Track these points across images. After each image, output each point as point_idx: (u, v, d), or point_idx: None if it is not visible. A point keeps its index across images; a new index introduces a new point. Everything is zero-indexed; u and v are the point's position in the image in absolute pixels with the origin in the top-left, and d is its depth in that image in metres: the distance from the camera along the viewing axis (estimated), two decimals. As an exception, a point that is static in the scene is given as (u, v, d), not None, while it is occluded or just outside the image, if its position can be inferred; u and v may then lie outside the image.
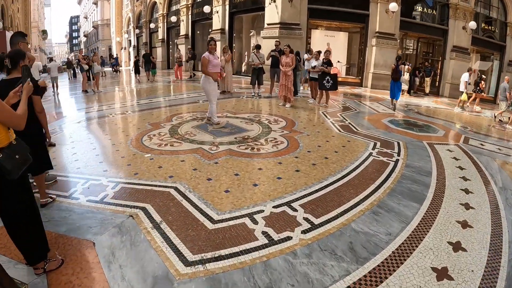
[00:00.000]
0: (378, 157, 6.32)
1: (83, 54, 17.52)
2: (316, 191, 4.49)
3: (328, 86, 11.38)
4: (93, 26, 74.88)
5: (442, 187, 5.32)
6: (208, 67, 7.64)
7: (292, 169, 5.33)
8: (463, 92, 16.58)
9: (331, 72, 11.30)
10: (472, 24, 21.15)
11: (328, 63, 11.37)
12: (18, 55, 3.52)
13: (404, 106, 14.11)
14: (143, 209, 3.82)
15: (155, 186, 4.44)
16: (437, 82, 22.83)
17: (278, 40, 13.99)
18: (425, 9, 21.93)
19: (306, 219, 3.69)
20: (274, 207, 3.96)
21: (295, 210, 3.90)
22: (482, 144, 9.05)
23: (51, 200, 4.09)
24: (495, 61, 25.74)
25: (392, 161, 6.19)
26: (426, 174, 5.76)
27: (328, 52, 12.17)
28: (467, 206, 4.72)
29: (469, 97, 17.08)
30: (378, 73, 19.74)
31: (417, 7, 21.83)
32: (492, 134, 11.06)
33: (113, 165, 5.38)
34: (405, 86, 18.53)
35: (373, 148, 6.91)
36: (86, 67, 15.37)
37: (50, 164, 4.17)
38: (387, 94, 14.30)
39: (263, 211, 3.86)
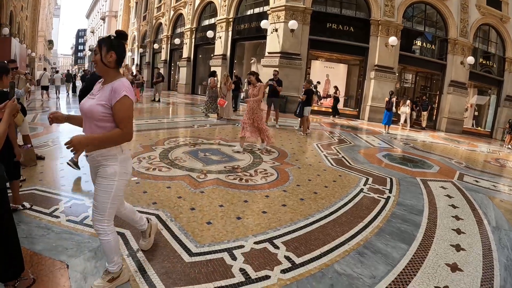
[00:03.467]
0: (369, 194, 6.19)
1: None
2: (301, 228, 4.33)
3: (296, 112, 12.03)
4: (98, 41, 75.75)
5: (433, 227, 5.21)
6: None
7: (279, 203, 5.18)
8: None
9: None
10: (470, 59, 21.46)
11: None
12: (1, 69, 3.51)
13: (400, 141, 14.17)
14: (122, 235, 3.71)
15: (137, 211, 4.32)
16: (434, 116, 23.01)
17: (276, 70, 14.05)
18: (424, 44, 22.24)
19: (287, 258, 3.55)
20: (255, 243, 3.81)
21: (277, 247, 3.75)
22: (476, 181, 8.96)
23: (22, 208, 4.12)
24: (492, 96, 25.94)
25: (383, 198, 6.09)
26: (418, 213, 5.65)
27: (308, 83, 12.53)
28: (458, 248, 4.60)
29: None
30: (375, 106, 20.04)
31: (416, 42, 22.12)
32: (487, 170, 11.00)
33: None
34: (403, 119, 18.70)
35: (365, 184, 6.78)
36: None
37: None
38: (383, 127, 15.41)
39: (244, 246, 3.69)
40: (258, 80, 9.04)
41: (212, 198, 4.99)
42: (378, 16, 19.95)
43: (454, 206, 6.37)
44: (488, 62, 24.87)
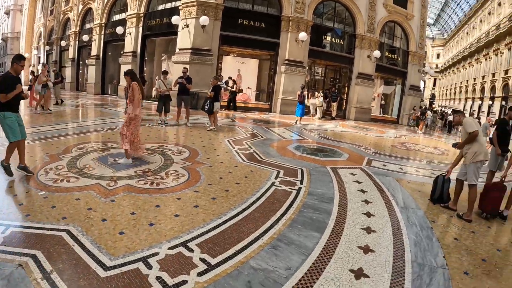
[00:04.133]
0: (281, 187, 6.32)
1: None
2: (215, 228, 4.36)
3: (205, 108, 12.00)
4: (2, 39, 69.48)
5: (344, 213, 5.42)
6: None
7: (191, 205, 5.10)
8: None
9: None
10: (377, 53, 23.24)
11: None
12: None
13: (311, 131, 14.61)
14: (33, 257, 3.44)
15: (47, 229, 4.03)
16: (343, 106, 24.46)
17: (185, 67, 13.87)
18: (333, 39, 23.46)
19: (202, 260, 3.55)
20: (169, 248, 3.76)
21: (192, 250, 3.74)
22: (384, 165, 9.46)
23: None
24: (397, 86, 28.18)
25: (295, 189, 6.24)
26: (328, 201, 5.85)
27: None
28: (369, 230, 4.85)
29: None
30: (286, 99, 20.68)
31: (326, 37, 23.26)
32: (394, 154, 11.63)
33: (4, 205, 4.77)
34: (313, 110, 19.38)
35: (276, 177, 6.90)
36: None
37: None
38: (295, 119, 15.98)
39: (158, 253, 3.63)
40: (133, 79, 7.27)
41: (123, 206, 4.80)
42: (289, 13, 20.59)
43: (363, 191, 6.69)
44: (393, 55, 26.97)
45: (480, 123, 26.26)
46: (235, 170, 7.25)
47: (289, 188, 6.28)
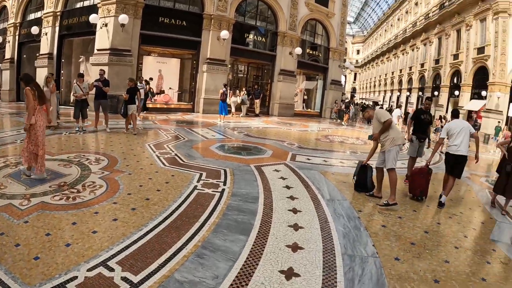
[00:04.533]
0: (203, 190, 6.21)
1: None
2: (135, 241, 4.10)
3: (121, 112, 11.73)
4: None
5: (269, 211, 5.40)
6: None
7: (110, 218, 4.72)
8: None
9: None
10: (298, 50, 23.91)
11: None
12: None
13: (234, 129, 14.65)
14: None
15: None
16: (267, 103, 24.92)
17: (102, 69, 13.03)
18: (256, 37, 23.77)
19: (124, 279, 3.32)
20: (88, 270, 3.44)
21: (112, 269, 3.48)
22: (308, 159, 9.69)
23: None
24: (319, 81, 29.21)
25: (218, 191, 6.16)
26: (253, 201, 5.84)
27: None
28: (296, 227, 4.87)
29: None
30: (209, 98, 20.57)
31: (249, 35, 23.43)
32: (318, 147, 11.93)
33: None
34: (234, 108, 19.49)
35: (198, 180, 6.78)
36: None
37: None
38: (218, 118, 16.10)
39: (77, 277, 3.29)
40: (28, 84, 6.25)
41: (37, 227, 4.30)
42: (211, 11, 20.45)
43: (288, 187, 6.75)
44: (315, 52, 27.90)
45: (390, 111, 28.10)
46: (156, 176, 6.96)
47: (212, 191, 6.18)
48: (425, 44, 45.33)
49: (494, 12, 29.16)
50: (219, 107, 17.26)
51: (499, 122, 26.98)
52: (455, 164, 7.44)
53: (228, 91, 18.37)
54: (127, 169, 7.31)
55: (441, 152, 12.07)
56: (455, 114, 8.29)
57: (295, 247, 4.28)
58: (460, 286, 4.05)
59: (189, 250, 3.98)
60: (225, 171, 7.57)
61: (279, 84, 24.48)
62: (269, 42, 24.62)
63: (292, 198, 6.19)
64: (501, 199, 7.77)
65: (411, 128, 8.97)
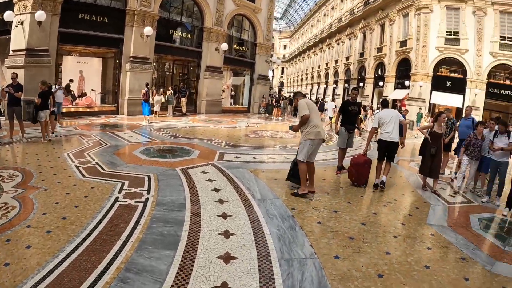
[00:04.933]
0: (125, 201, 5.78)
1: None
2: (51, 271, 3.58)
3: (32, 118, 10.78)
4: None
5: (197, 219, 5.15)
6: None
7: (23, 246, 4.11)
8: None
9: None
10: (224, 46, 23.75)
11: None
12: None
13: (160, 131, 14.20)
14: None
15: None
16: (194, 101, 24.54)
17: (15, 72, 11.69)
18: (182, 33, 23.38)
19: None
20: None
21: None
22: (237, 157, 9.62)
23: None
24: (247, 76, 29.49)
25: (141, 202, 5.79)
26: (180, 208, 5.56)
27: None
28: (227, 234, 4.67)
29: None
30: (133, 99, 19.67)
31: (175, 31, 22.93)
32: (247, 144, 11.90)
33: None
34: (157, 108, 18.78)
35: (120, 191, 6.32)
36: None
37: None
38: (143, 119, 15.64)
39: None
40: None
41: None
42: (135, 6, 19.56)
43: (216, 190, 6.56)
44: (242, 47, 28.08)
45: (323, 103, 28.97)
46: (74, 190, 6.30)
47: (135, 201, 5.79)
48: (350, 39, 47.29)
49: (417, 8, 31.22)
50: (142, 108, 16.90)
51: (420, 109, 28.67)
52: (388, 150, 8.17)
53: (151, 90, 17.84)
54: (43, 184, 6.56)
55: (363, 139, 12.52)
56: (385, 104, 9.09)
57: (227, 258, 4.09)
58: (404, 277, 4.11)
59: (111, 275, 3.59)
60: (149, 177, 7.20)
61: (205, 81, 24.27)
62: (196, 38, 24.30)
63: (221, 201, 6.02)
64: (430, 181, 8.38)
65: (339, 120, 9.30)
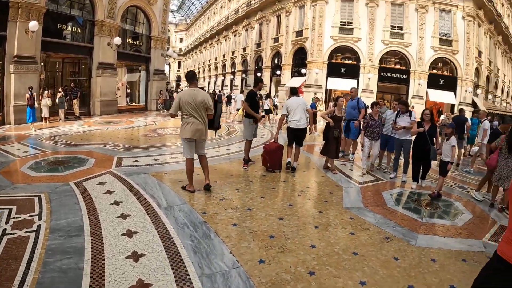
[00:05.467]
0: (15, 233, 4.71)
1: None
2: None
3: None
4: None
5: (99, 243, 4.46)
6: None
7: None
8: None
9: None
10: (117, 40, 22.42)
11: None
12: None
13: (50, 139, 12.69)
14: None
15: None
16: (87, 102, 22.83)
17: None
18: (73, 28, 21.54)
19: None
20: None
21: None
22: (136, 161, 9.09)
23: None
24: (142, 72, 28.62)
25: (33, 231, 4.81)
26: (77, 233, 4.75)
27: None
28: (135, 257, 4.12)
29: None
30: (20, 105, 17.13)
31: (64, 26, 20.99)
32: (146, 145, 11.38)
33: None
34: (45, 113, 17.11)
35: (7, 221, 5.12)
36: None
37: None
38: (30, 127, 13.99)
39: None
40: None
41: None
42: (19, -2, 17.04)
43: (117, 203, 5.95)
44: (136, 41, 27.09)
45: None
46: None
47: (26, 232, 4.75)
48: (247, 30, 49.32)
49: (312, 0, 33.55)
50: (27, 115, 15.23)
51: (315, 94, 30.35)
52: (297, 136, 8.92)
53: (37, 93, 16.24)
54: None
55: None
56: (294, 92, 9.66)
57: (141, 286, 3.59)
58: (336, 269, 4.09)
59: None
60: (39, 198, 6.14)
61: (98, 80, 22.69)
62: (88, 33, 22.55)
63: (124, 216, 5.41)
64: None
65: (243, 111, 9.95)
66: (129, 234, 4.79)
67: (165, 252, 4.32)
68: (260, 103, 17.58)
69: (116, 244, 4.49)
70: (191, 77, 7.09)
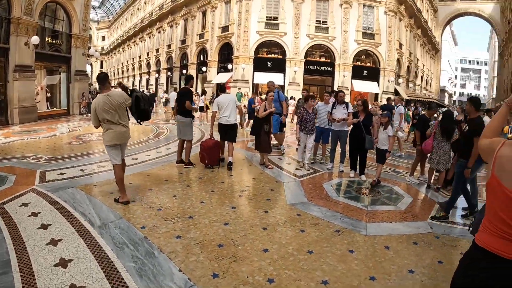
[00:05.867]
0: None
1: None
2: None
3: None
4: None
5: (31, 279, 3.66)
6: None
7: None
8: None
9: None
10: (35, 39, 20.28)
11: None
12: None
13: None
14: None
15: None
16: (4, 110, 20.49)
17: None
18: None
19: None
20: None
21: None
22: (62, 173, 7.92)
23: None
24: (63, 74, 26.42)
25: None
26: (4, 269, 3.83)
27: None
28: None
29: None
30: None
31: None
32: (71, 154, 10.37)
33: None
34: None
35: None
36: None
37: None
38: None
39: None
40: None
41: None
42: None
43: (45, 226, 4.99)
44: (56, 40, 24.91)
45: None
46: None
47: None
48: (171, 26, 48.54)
49: (238, -5, 33.90)
50: None
51: (239, 89, 30.62)
52: (228, 131, 9.01)
53: None
54: None
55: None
56: (223, 89, 9.97)
57: None
58: (295, 272, 3.87)
59: None
60: None
61: (16, 84, 20.53)
62: (4, 33, 20.39)
63: (54, 242, 4.46)
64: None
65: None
66: (63, 263, 3.98)
67: (107, 280, 3.66)
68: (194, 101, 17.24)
69: (50, 278, 3.70)
70: (102, 79, 6.29)
